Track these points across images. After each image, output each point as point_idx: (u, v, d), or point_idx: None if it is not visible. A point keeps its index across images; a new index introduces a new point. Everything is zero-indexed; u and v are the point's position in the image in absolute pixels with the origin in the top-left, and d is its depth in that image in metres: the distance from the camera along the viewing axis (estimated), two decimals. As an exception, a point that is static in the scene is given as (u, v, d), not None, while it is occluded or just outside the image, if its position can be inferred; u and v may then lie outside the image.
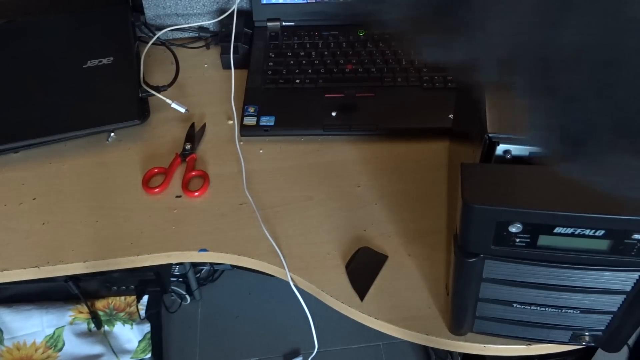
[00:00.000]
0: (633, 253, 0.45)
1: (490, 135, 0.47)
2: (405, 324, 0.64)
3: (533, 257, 0.48)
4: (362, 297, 0.66)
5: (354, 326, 0.70)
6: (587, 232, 0.44)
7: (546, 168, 0.46)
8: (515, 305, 0.54)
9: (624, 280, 0.48)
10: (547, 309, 0.54)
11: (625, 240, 0.44)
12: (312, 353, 0.81)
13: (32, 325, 1.17)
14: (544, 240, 0.46)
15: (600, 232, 0.44)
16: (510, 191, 0.45)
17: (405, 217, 0.73)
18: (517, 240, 0.46)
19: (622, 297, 0.51)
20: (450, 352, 1.23)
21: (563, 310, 0.53)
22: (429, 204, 0.74)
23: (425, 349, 1.45)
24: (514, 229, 0.45)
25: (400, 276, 0.68)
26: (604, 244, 0.45)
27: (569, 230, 0.44)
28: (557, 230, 0.44)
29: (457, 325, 0.60)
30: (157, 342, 1.28)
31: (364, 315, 0.65)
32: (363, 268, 0.68)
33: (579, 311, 0.53)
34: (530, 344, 0.61)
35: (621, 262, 0.46)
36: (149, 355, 1.26)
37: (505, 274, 0.51)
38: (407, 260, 0.69)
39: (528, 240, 0.46)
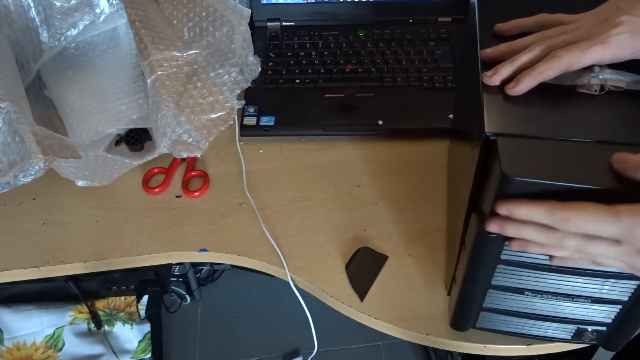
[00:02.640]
0: None
1: (487, 133, 0.47)
2: (405, 324, 0.64)
3: None
4: (362, 297, 0.66)
5: (354, 326, 0.70)
6: None
7: (585, 144, 0.45)
8: (527, 293, 0.54)
9: None
10: (559, 297, 0.53)
11: None
12: (312, 353, 0.81)
13: (32, 325, 1.17)
14: None
15: None
16: (549, 166, 0.44)
17: (405, 217, 0.73)
18: None
19: (635, 284, 0.50)
20: (450, 352, 1.23)
21: (574, 299, 0.53)
22: (429, 204, 0.74)
23: (425, 349, 1.45)
24: None
25: (401, 276, 0.68)
26: None
27: None
28: None
29: (461, 319, 0.60)
30: (157, 342, 1.28)
31: (364, 315, 0.65)
32: (363, 268, 0.68)
33: (590, 300, 0.53)
34: (530, 344, 0.61)
35: None
36: (149, 355, 1.26)
37: (524, 254, 0.50)
38: (407, 260, 0.69)
39: None
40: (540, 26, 0.55)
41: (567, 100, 0.50)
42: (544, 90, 0.50)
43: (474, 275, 0.54)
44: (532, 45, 0.52)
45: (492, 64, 0.52)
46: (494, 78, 0.51)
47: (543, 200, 0.43)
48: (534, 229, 0.45)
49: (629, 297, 0.52)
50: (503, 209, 0.44)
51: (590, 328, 0.56)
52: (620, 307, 0.53)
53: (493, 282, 0.54)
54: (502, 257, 0.51)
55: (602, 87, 0.50)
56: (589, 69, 0.50)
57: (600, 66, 0.50)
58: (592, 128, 0.48)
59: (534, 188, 0.44)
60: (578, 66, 0.49)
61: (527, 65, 0.51)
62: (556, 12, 0.55)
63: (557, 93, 0.50)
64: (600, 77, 0.50)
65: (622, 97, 0.49)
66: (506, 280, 0.54)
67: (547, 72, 0.49)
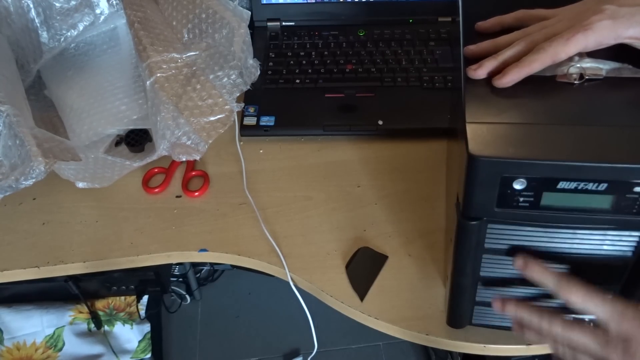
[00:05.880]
0: (635, 211, 0.45)
1: (469, 123, 0.47)
2: (405, 324, 0.64)
3: (536, 219, 0.48)
4: (362, 297, 0.66)
5: (354, 326, 0.70)
6: (589, 186, 0.44)
7: (549, 127, 0.46)
8: (516, 283, 0.54)
9: (625, 243, 0.49)
10: None
11: (627, 195, 0.44)
12: (312, 353, 0.82)
13: (32, 325, 1.17)
14: (547, 199, 0.46)
15: (603, 186, 0.44)
16: (515, 145, 0.45)
17: (405, 217, 0.73)
18: (521, 199, 0.46)
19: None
20: (450, 352, 1.23)
21: None
22: (429, 204, 0.74)
23: (425, 349, 1.45)
24: (518, 185, 0.45)
25: (401, 276, 0.68)
26: (606, 201, 0.45)
27: (572, 185, 0.44)
28: (561, 185, 0.45)
29: (456, 315, 0.60)
30: (157, 342, 1.29)
31: (364, 315, 0.65)
32: (363, 268, 0.68)
33: None
34: (530, 344, 0.61)
35: (624, 222, 0.47)
36: (149, 355, 1.26)
37: (507, 241, 0.51)
38: (407, 260, 0.69)
39: (532, 199, 0.46)
40: (520, 22, 0.55)
41: (546, 90, 0.50)
42: (523, 81, 0.50)
43: (461, 267, 0.54)
44: (516, 41, 0.52)
45: (476, 60, 0.53)
46: (478, 72, 0.51)
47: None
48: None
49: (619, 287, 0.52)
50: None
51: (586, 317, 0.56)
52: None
53: (481, 274, 0.54)
54: (486, 245, 0.51)
55: (581, 76, 0.50)
56: (569, 58, 0.51)
57: (580, 55, 0.50)
58: (566, 113, 0.48)
59: (500, 167, 0.45)
60: (564, 56, 0.49)
61: (511, 60, 0.51)
62: (535, 8, 0.56)
63: (537, 83, 0.51)
64: (579, 65, 0.50)
65: (600, 84, 0.50)
66: (494, 271, 0.54)
67: (534, 64, 0.50)
